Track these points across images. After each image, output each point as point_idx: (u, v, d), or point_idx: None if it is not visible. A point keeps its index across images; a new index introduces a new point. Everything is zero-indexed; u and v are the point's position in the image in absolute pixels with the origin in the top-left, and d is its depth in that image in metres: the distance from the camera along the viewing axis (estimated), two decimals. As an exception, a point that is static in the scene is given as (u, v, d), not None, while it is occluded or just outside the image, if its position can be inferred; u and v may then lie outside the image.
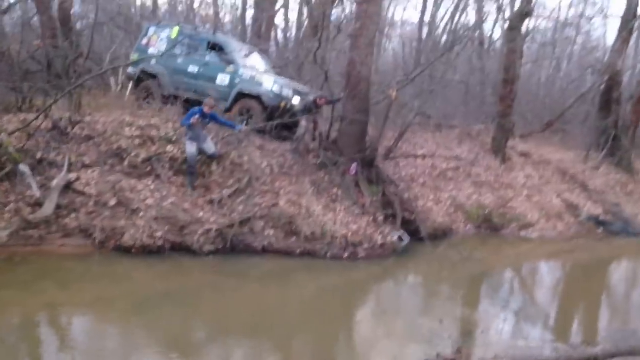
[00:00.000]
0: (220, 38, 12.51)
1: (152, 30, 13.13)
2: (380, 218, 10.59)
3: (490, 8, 26.50)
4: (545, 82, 28.00)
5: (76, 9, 17.75)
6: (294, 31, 24.29)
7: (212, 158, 9.66)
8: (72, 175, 8.71)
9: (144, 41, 13.12)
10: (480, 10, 24.93)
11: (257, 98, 11.50)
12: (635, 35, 23.86)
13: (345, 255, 9.53)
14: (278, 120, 10.93)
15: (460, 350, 5.36)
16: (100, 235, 8.19)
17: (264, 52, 14.71)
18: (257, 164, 10.09)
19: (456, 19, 27.20)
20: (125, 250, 8.17)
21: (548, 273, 12.56)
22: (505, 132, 16.32)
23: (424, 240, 11.09)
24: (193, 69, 12.27)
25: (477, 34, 23.66)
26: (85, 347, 5.71)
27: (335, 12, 16.73)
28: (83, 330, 6.23)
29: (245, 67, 12.01)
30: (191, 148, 9.34)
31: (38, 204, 8.07)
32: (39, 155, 8.75)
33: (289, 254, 9.24)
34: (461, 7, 26.70)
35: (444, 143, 16.33)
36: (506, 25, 19.40)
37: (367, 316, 7.93)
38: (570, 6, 31.15)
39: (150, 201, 8.74)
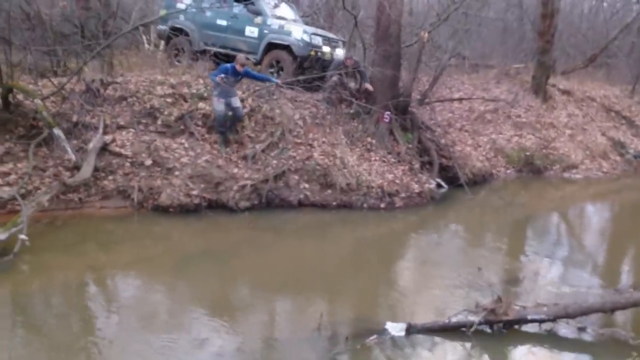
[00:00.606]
0: (247, -12, 12.21)
1: (179, -15, 12.90)
2: (417, 166, 10.41)
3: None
4: (588, 14, 26.57)
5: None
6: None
7: (237, 119, 9.40)
8: (108, 137, 8.78)
9: (172, -4, 12.92)
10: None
11: (287, 48, 11.29)
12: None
13: (382, 205, 9.45)
14: (309, 75, 10.69)
15: (500, 299, 5.25)
16: (138, 196, 8.30)
17: (292, 1, 14.33)
18: (289, 116, 9.95)
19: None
20: (162, 210, 8.27)
21: (594, 215, 12.21)
22: (545, 69, 15.66)
23: (463, 187, 10.86)
24: (221, 22, 12.08)
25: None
26: (134, 307, 5.80)
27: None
28: (129, 290, 6.33)
29: (274, 17, 11.75)
30: (219, 105, 9.12)
31: (76, 168, 8.19)
32: (74, 119, 8.82)
33: (325, 206, 9.21)
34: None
35: (482, 84, 15.81)
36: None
37: (406, 267, 7.85)
38: None
39: (184, 159, 8.77)
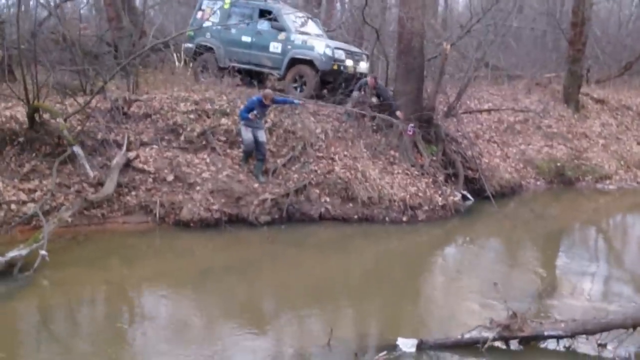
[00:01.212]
0: (271, 5, 12.33)
1: (205, 3, 13.11)
2: (441, 178, 10.27)
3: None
4: (627, 21, 25.90)
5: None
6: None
7: (261, 154, 9.23)
8: (132, 154, 8.93)
9: (199, 14, 13.16)
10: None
11: (310, 63, 11.34)
12: None
13: (404, 218, 9.34)
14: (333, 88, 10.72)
15: (515, 314, 5.08)
16: (160, 211, 8.40)
17: (316, 16, 14.42)
18: (311, 129, 9.95)
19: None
20: (184, 225, 8.34)
21: (630, 227, 11.83)
22: (576, 78, 15.32)
23: (490, 199, 10.64)
24: (246, 39, 12.22)
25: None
26: (157, 321, 5.86)
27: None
28: (152, 304, 6.40)
29: (297, 33, 11.83)
30: (247, 134, 9.07)
31: (100, 184, 8.34)
32: (99, 136, 9.02)
33: (346, 220, 9.14)
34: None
35: (511, 95, 15.53)
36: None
37: (427, 281, 7.73)
38: None
39: (206, 174, 8.85)
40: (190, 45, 13.05)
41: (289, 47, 11.62)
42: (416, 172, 10.14)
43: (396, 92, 10.83)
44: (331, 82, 11.38)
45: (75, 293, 6.28)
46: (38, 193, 7.99)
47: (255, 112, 9.01)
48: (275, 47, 11.81)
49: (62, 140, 8.47)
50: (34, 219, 7.46)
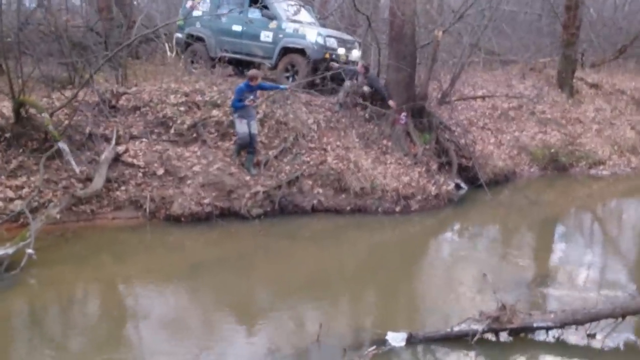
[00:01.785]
0: (262, -7, 12.17)
1: (195, -9, 12.95)
2: (434, 167, 10.21)
3: None
4: (623, 3, 25.69)
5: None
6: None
7: (252, 138, 9.10)
8: (121, 148, 8.81)
9: (188, 3, 12.99)
10: None
11: (301, 51, 11.21)
12: None
13: (397, 209, 9.28)
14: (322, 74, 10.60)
15: (505, 306, 5.04)
16: (150, 206, 8.28)
17: (311, 3, 14.26)
18: (303, 120, 9.86)
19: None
20: (175, 219, 8.25)
21: (624, 213, 11.79)
22: (571, 62, 15.22)
23: (483, 187, 10.57)
24: (237, 28, 12.08)
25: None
26: (155, 317, 5.80)
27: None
28: (147, 301, 6.33)
29: (289, 21, 11.68)
30: (242, 126, 8.93)
31: (89, 179, 8.23)
32: (87, 130, 8.89)
33: (339, 211, 9.08)
34: None
35: (505, 81, 15.43)
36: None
37: (420, 273, 7.66)
38: None
39: (197, 168, 8.75)
40: (180, 35, 12.89)
41: (280, 35, 11.49)
42: (409, 162, 10.07)
43: (388, 80, 10.72)
44: (324, 70, 11.26)
45: (64, 291, 6.20)
46: (26, 190, 7.84)
47: (251, 97, 8.93)
48: (266, 36, 11.67)
49: (49, 136, 8.34)
50: (21, 216, 7.31)
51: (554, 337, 5.25)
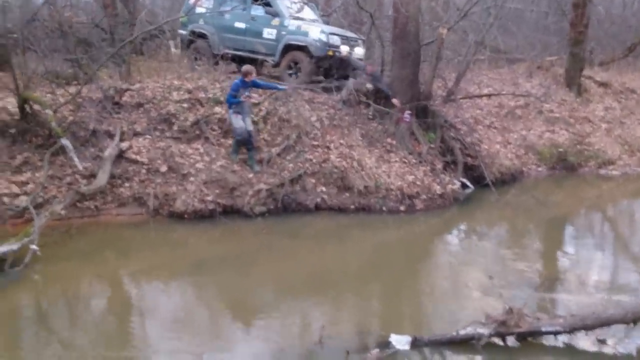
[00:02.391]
0: (265, -11, 12.10)
1: (198, -12, 12.89)
2: (439, 166, 10.13)
3: None
4: (632, 1, 25.44)
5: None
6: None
7: (250, 142, 9.06)
8: (124, 144, 8.79)
9: (191, 1, 12.92)
10: None
11: (304, 48, 11.14)
12: None
13: (402, 208, 9.21)
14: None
15: (512, 310, 4.96)
16: (153, 203, 8.28)
17: (312, 0, 14.17)
18: (306, 117, 9.78)
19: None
20: (178, 216, 8.23)
21: (634, 213, 11.64)
22: (578, 61, 15.06)
23: (489, 186, 10.48)
24: (239, 25, 12.00)
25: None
26: (159, 314, 5.80)
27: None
28: (151, 297, 6.33)
29: (291, 18, 11.62)
30: (239, 122, 8.89)
31: (93, 176, 8.22)
32: (91, 127, 8.87)
33: (343, 210, 9.02)
34: None
35: (512, 79, 15.32)
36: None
37: (425, 273, 7.56)
38: None
39: (199, 165, 8.71)
40: (183, 32, 12.85)
41: (283, 33, 11.42)
42: (414, 160, 9.99)
43: (392, 78, 10.64)
44: (327, 67, 11.20)
45: (68, 287, 6.18)
46: (30, 185, 7.85)
47: (246, 93, 8.91)
48: (269, 33, 11.61)
49: (53, 132, 8.32)
50: (26, 212, 7.32)
51: (563, 342, 5.15)
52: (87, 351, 4.96)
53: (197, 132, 9.29)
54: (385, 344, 4.99)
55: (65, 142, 7.85)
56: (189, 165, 8.69)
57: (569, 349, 5.11)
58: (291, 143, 9.35)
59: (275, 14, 11.55)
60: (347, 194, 9.09)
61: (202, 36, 12.37)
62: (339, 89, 10.81)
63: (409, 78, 10.53)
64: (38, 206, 7.37)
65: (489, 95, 13.72)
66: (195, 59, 12.46)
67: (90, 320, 5.64)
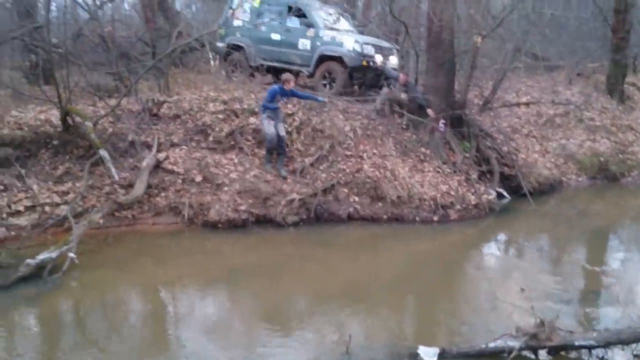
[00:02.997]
0: (300, 2, 12.25)
1: (236, 2, 13.14)
2: (474, 176, 10.00)
3: None
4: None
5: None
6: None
7: (281, 141, 9.20)
8: (161, 155, 9.00)
9: (229, 13, 13.20)
10: None
11: (339, 59, 11.22)
12: None
13: (435, 218, 9.13)
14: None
15: (543, 323, 4.86)
16: (188, 212, 8.42)
17: (347, 11, 14.27)
18: (340, 128, 9.83)
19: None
20: (212, 226, 8.34)
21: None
22: (620, 67, 14.69)
23: (527, 197, 10.28)
24: (276, 36, 12.21)
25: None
26: (195, 321, 5.89)
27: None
28: (187, 304, 6.43)
29: (326, 29, 11.73)
30: (270, 127, 9.03)
31: (130, 186, 8.45)
32: (130, 138, 9.13)
33: (376, 220, 9.00)
34: None
35: (551, 87, 15.02)
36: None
37: (458, 283, 7.45)
38: None
39: (233, 175, 8.84)
40: (221, 44, 13.11)
41: (318, 43, 11.55)
42: (448, 170, 9.90)
43: (426, 87, 10.60)
44: (361, 77, 11.24)
45: (105, 294, 6.33)
46: (71, 195, 8.10)
47: (283, 100, 9.10)
48: (304, 44, 11.76)
49: (93, 143, 8.61)
50: (66, 221, 7.55)
51: (597, 357, 5.01)
52: (123, 356, 5.08)
53: (232, 142, 9.45)
54: (413, 356, 4.96)
55: (103, 152, 8.10)
56: (223, 175, 8.83)
57: (604, 364, 4.97)
58: (324, 153, 9.42)
59: (310, 25, 11.68)
60: (380, 204, 9.07)
61: (239, 48, 12.59)
62: (373, 99, 10.83)
63: (444, 87, 10.47)
64: (77, 215, 7.61)
65: (527, 104, 13.51)
66: (232, 70, 12.68)
67: (127, 326, 5.78)
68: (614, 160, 12.87)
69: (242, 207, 8.46)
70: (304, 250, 8.04)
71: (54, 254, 6.56)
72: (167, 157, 8.98)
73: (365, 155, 9.54)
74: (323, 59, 11.45)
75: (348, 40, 11.30)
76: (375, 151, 9.67)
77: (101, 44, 11.95)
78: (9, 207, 7.71)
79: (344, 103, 10.56)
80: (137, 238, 7.97)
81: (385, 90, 10.57)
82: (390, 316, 6.19)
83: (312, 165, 9.27)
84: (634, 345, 4.94)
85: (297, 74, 11.90)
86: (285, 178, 8.99)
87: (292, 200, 8.68)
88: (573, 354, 5.01)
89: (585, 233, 9.72)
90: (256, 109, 9.85)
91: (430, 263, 7.97)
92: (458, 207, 9.32)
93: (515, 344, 4.81)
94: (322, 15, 12.07)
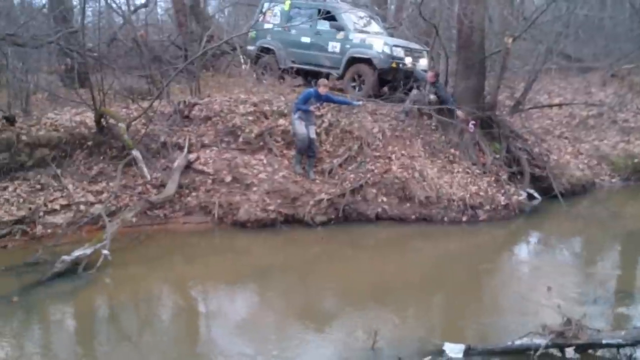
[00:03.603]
0: (330, 5, 12.33)
1: (266, 5, 13.30)
2: (504, 177, 9.90)
3: None
4: None
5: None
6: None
7: (312, 143, 9.25)
8: (192, 156, 9.18)
9: (260, 17, 13.36)
10: None
11: (368, 61, 11.26)
12: None
13: (464, 218, 9.09)
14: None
15: (570, 321, 4.81)
16: (218, 212, 8.57)
17: (378, 13, 14.30)
18: (368, 129, 9.87)
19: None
20: (241, 225, 8.47)
21: None
22: (656, 67, 14.32)
23: (558, 198, 10.14)
24: (305, 39, 12.30)
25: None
26: (224, 316, 6.07)
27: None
28: (218, 302, 6.60)
29: (356, 32, 11.79)
30: (301, 128, 9.10)
31: (162, 185, 8.64)
32: (162, 139, 9.34)
33: (404, 220, 9.00)
34: None
35: (584, 88, 14.79)
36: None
37: (487, 283, 7.38)
38: None
39: (262, 175, 8.96)
40: (252, 47, 13.28)
41: (348, 46, 11.60)
42: (477, 171, 9.83)
43: (456, 88, 10.56)
44: (390, 80, 11.25)
45: (137, 290, 6.51)
46: (105, 194, 8.35)
47: (318, 104, 9.20)
48: (333, 46, 11.82)
49: (126, 144, 8.82)
50: (100, 219, 7.75)
51: (625, 355, 4.93)
52: (155, 351, 5.22)
53: (261, 143, 9.59)
54: (438, 352, 4.96)
55: (135, 153, 8.31)
56: (252, 176, 8.95)
57: (633, 363, 4.89)
58: (353, 154, 9.46)
59: (340, 28, 11.74)
60: (408, 204, 9.07)
61: (269, 51, 12.74)
62: (402, 100, 10.84)
63: (474, 88, 10.42)
64: (111, 214, 7.82)
65: (559, 105, 13.32)
66: (262, 73, 12.83)
67: (158, 321, 5.94)
68: (648, 162, 12.56)
69: (271, 207, 8.56)
70: (332, 249, 8.10)
71: (88, 251, 6.76)
72: (197, 158, 9.15)
73: (393, 156, 9.54)
74: (352, 61, 11.49)
75: (377, 42, 11.32)
76: (403, 152, 9.67)
77: (135, 48, 12.20)
78: (46, 205, 7.99)
79: (373, 105, 10.58)
80: (169, 236, 8.15)
81: (414, 92, 10.55)
82: (417, 314, 6.22)
83: (340, 165, 9.33)
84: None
85: (327, 76, 11.97)
86: (313, 180, 9.05)
87: (321, 201, 8.75)
88: (600, 352, 4.96)
89: (618, 235, 9.53)
90: (285, 111, 9.97)
91: (458, 263, 7.95)
92: (487, 207, 9.25)
93: (541, 341, 4.77)
94: (351, 18, 12.12)
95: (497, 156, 10.28)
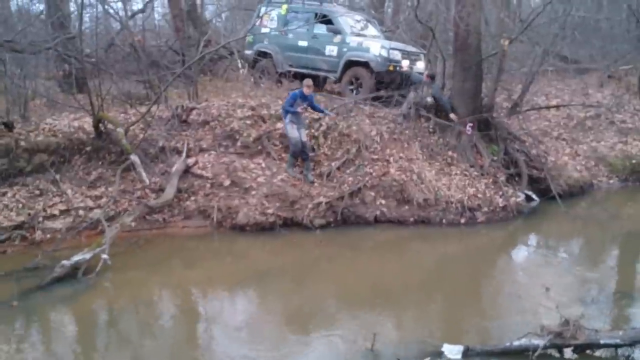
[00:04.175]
0: (326, 9, 12.39)
1: (263, 9, 13.35)
2: (502, 178, 9.92)
3: None
4: None
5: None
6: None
7: (304, 146, 9.25)
8: (191, 160, 9.20)
9: (257, 21, 13.40)
10: None
11: (365, 64, 11.31)
12: None
13: (462, 220, 9.12)
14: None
15: (568, 322, 4.83)
16: (217, 215, 8.58)
17: (375, 17, 14.36)
18: (366, 132, 9.89)
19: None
20: (240, 228, 8.49)
21: None
22: (653, 69, 14.38)
23: (556, 199, 10.16)
24: (302, 43, 12.36)
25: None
26: (224, 320, 6.08)
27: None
28: (216, 305, 6.61)
29: (353, 35, 11.84)
30: (293, 132, 9.13)
31: (161, 190, 8.67)
32: (160, 144, 9.36)
33: (402, 222, 9.02)
34: None
35: (581, 89, 14.85)
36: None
37: (485, 284, 7.40)
38: None
39: (261, 179, 8.98)
40: (249, 51, 13.33)
41: (345, 49, 11.66)
42: (475, 173, 9.85)
43: (453, 91, 10.60)
44: (388, 82, 11.29)
45: (136, 294, 6.51)
46: (104, 199, 8.36)
47: (304, 105, 9.18)
48: (330, 50, 11.88)
49: (124, 149, 8.84)
50: (99, 224, 7.76)
51: (623, 355, 4.97)
52: (155, 354, 5.25)
53: (259, 147, 9.61)
54: (437, 353, 4.98)
55: (134, 158, 8.33)
56: (250, 180, 8.97)
57: (630, 363, 4.91)
58: (351, 157, 9.49)
59: (337, 32, 11.80)
60: (407, 207, 9.09)
61: (266, 55, 12.78)
62: (399, 103, 10.87)
63: (471, 91, 10.44)
64: (110, 219, 7.86)
65: (556, 107, 13.35)
66: (260, 77, 12.87)
67: (158, 325, 5.94)
68: (646, 163, 12.59)
69: (270, 211, 8.58)
70: (331, 252, 8.12)
71: (87, 256, 6.78)
72: (196, 162, 9.18)
73: (391, 158, 9.57)
74: (350, 64, 11.54)
75: (374, 45, 11.37)
76: (401, 155, 9.70)
77: (132, 53, 12.26)
78: (45, 210, 8.00)
79: (370, 108, 10.62)
80: (168, 240, 8.16)
81: (412, 94, 10.59)
82: (416, 316, 6.23)
83: (338, 169, 9.35)
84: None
85: (324, 80, 12.01)
86: (312, 183, 9.08)
87: (319, 204, 8.77)
88: (598, 353, 4.98)
89: (616, 236, 9.56)
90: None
91: (456, 265, 7.97)
92: (485, 209, 9.28)
93: (539, 342, 4.80)
94: (348, 21, 12.18)
95: (495, 158, 10.31)
